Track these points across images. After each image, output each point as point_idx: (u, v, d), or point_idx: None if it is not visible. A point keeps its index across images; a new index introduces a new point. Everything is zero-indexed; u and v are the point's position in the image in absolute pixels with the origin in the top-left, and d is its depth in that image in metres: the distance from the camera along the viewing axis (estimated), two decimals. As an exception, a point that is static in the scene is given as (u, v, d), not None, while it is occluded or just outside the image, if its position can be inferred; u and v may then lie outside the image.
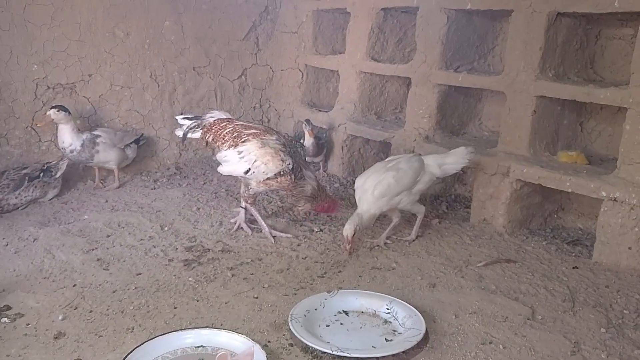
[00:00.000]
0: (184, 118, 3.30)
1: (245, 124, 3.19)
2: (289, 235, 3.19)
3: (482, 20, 3.80)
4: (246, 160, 3.01)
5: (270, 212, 3.56)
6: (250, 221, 3.32)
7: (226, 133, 3.09)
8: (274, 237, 3.16)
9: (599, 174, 3.02)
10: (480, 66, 3.91)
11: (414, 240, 3.16)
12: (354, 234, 2.86)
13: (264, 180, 3.06)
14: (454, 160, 3.12)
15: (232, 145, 3.05)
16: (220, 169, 3.14)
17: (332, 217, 3.40)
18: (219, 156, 3.12)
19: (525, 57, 3.24)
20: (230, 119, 3.24)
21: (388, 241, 3.12)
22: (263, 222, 3.19)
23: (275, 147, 3.02)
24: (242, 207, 3.31)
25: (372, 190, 2.92)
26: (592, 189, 2.93)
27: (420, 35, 3.80)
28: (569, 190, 3.05)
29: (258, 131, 3.10)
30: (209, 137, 3.14)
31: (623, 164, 2.89)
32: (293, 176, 3.04)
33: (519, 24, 3.26)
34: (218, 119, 3.20)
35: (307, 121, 4.15)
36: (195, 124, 3.21)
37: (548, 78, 3.22)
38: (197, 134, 3.19)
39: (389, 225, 3.16)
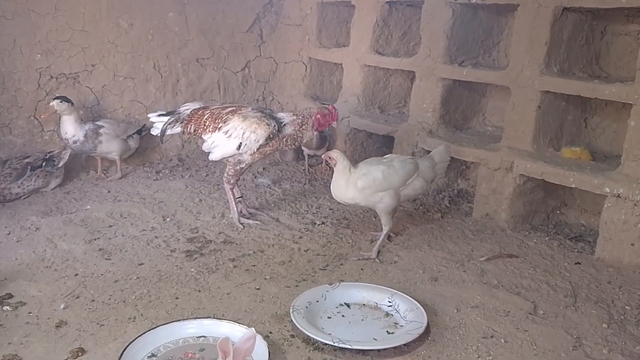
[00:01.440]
0: (158, 115, 3.27)
1: (219, 106, 3.24)
2: (257, 222, 3.23)
3: (487, 14, 3.78)
4: (235, 136, 3.05)
5: (272, 205, 3.56)
6: (251, 213, 3.36)
7: (206, 119, 3.13)
8: (241, 224, 3.20)
9: (603, 170, 3.01)
10: (485, 61, 3.90)
11: (374, 259, 2.88)
12: (334, 161, 2.84)
13: (258, 150, 3.08)
14: (440, 158, 3.12)
15: (215, 129, 3.08)
16: (211, 156, 3.15)
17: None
18: (206, 146, 3.14)
19: (531, 52, 3.23)
20: (205, 106, 3.26)
21: (380, 256, 2.91)
22: (235, 207, 3.23)
23: (256, 115, 3.08)
24: (239, 197, 3.33)
25: (356, 181, 2.84)
26: (595, 185, 2.92)
27: (425, 29, 3.79)
28: (573, 186, 3.04)
29: (234, 107, 3.16)
30: (190, 128, 3.15)
31: (627, 160, 2.88)
32: (281, 134, 3.08)
33: (525, 19, 3.25)
34: (194, 109, 3.22)
35: (310, 114, 4.12)
36: (173, 119, 3.20)
37: (553, 73, 3.21)
38: (177, 129, 3.19)
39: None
